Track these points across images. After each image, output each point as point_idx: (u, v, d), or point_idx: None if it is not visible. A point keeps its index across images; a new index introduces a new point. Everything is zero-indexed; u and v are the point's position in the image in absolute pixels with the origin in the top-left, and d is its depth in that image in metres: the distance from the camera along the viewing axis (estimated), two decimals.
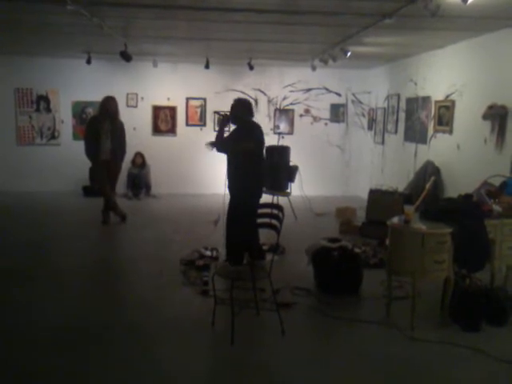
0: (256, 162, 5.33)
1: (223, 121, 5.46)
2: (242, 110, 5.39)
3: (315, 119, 10.68)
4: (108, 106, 7.35)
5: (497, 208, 4.43)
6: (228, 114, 5.46)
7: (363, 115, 10.69)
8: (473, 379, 3.38)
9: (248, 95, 9.86)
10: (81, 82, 10.06)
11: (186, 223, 7.73)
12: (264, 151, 5.64)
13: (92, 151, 7.33)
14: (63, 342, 3.73)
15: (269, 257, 5.09)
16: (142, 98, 10.33)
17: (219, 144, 5.42)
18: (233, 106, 5.44)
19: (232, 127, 5.56)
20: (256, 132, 5.39)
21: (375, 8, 4.97)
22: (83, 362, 3.45)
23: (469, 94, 6.47)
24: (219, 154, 5.50)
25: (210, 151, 5.69)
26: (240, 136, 5.30)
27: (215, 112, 6.20)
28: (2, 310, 4.34)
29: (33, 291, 4.75)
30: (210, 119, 10.45)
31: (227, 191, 5.47)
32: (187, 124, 10.50)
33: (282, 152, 8.33)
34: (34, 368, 3.35)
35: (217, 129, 6.53)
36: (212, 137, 10.26)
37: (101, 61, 9.68)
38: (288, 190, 8.26)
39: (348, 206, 8.49)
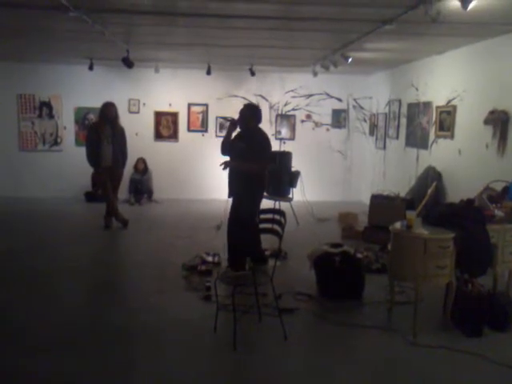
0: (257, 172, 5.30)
1: (230, 125, 5.43)
2: (249, 115, 5.36)
3: (317, 125, 10.69)
4: (107, 112, 7.38)
5: (499, 213, 4.43)
6: (235, 118, 5.41)
7: (365, 120, 10.70)
8: None
9: (250, 101, 9.88)
10: (83, 88, 10.11)
11: (187, 228, 7.73)
12: (268, 159, 5.57)
13: (93, 157, 7.36)
14: (64, 345, 3.73)
15: (271, 262, 5.09)
16: (144, 104, 10.37)
17: (224, 148, 5.44)
18: (241, 111, 5.40)
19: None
20: (261, 140, 5.34)
21: (376, 14, 4.99)
22: (84, 365, 3.45)
23: (470, 99, 6.48)
24: (223, 157, 5.50)
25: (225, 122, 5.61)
26: (243, 144, 5.30)
27: (222, 117, 6.13)
28: (5, 313, 4.34)
29: (35, 295, 4.75)
30: (212, 125, 10.49)
31: (228, 197, 5.47)
32: (189, 130, 10.53)
33: (283, 157, 8.35)
34: (33, 370, 3.35)
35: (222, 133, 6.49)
36: (214, 142, 10.34)
37: (103, 67, 9.73)
38: (290, 196, 8.26)
39: (350, 211, 8.49)
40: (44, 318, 4.24)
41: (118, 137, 7.46)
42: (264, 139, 5.39)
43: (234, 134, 5.51)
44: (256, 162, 5.16)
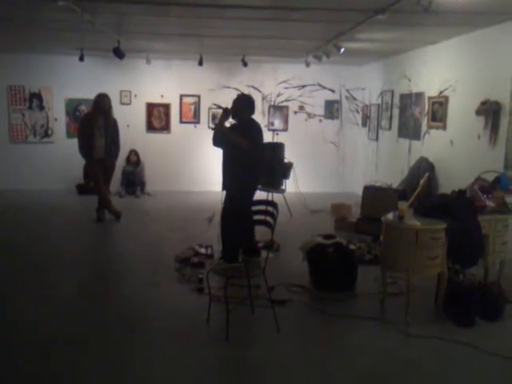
0: (251, 160, 5.28)
1: (223, 115, 5.34)
2: (243, 106, 5.33)
3: (309, 116, 10.67)
4: (101, 103, 7.33)
5: (490, 203, 4.44)
6: (229, 107, 5.35)
7: (357, 111, 10.69)
8: (467, 374, 3.40)
9: (242, 92, 9.83)
10: (74, 80, 10.01)
11: (180, 221, 7.71)
12: (261, 149, 5.56)
13: (86, 149, 7.31)
14: (60, 338, 3.72)
15: (264, 254, 5.09)
16: (136, 96, 10.29)
17: (216, 138, 5.34)
18: (235, 102, 5.37)
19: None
20: (253, 130, 5.33)
21: (368, 4, 4.96)
22: (80, 360, 3.43)
23: (462, 90, 6.49)
24: (215, 149, 5.44)
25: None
26: (237, 133, 5.26)
27: (214, 104, 6.07)
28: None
29: (27, 290, 4.72)
30: (204, 116, 10.43)
31: (222, 189, 5.44)
32: (181, 121, 10.47)
33: (276, 149, 8.32)
34: (33, 367, 3.33)
35: (213, 123, 6.46)
36: (206, 133, 10.28)
37: (94, 58, 9.64)
38: (283, 187, 8.25)
39: (343, 202, 8.50)
40: (39, 312, 4.21)
41: (111, 128, 7.41)
42: (257, 131, 5.36)
43: (226, 124, 5.46)
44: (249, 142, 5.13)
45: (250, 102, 5.43)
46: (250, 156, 5.22)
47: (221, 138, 5.31)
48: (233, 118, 5.39)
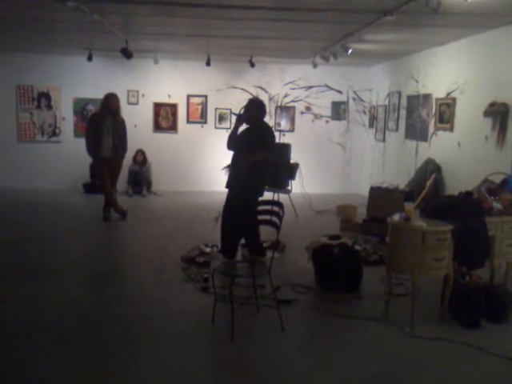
0: (264, 167, 5.35)
1: (238, 120, 5.52)
2: (255, 110, 5.45)
3: (316, 117, 10.66)
4: (110, 103, 7.36)
5: (497, 205, 4.43)
6: (242, 112, 5.49)
7: (364, 113, 10.67)
8: (472, 376, 3.38)
9: (249, 92, 9.86)
10: (82, 79, 10.06)
11: (186, 220, 7.73)
12: (273, 150, 5.66)
13: (93, 148, 7.35)
14: (64, 337, 3.73)
15: (269, 254, 5.10)
16: (143, 95, 10.32)
17: (231, 142, 5.49)
18: (246, 107, 5.49)
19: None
20: (266, 134, 5.44)
21: (376, 5, 4.96)
22: (84, 357, 3.45)
23: (470, 92, 6.46)
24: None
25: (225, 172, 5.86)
26: (249, 137, 5.36)
27: (233, 113, 6.24)
28: (4, 305, 4.35)
29: (33, 288, 4.75)
30: (211, 116, 10.45)
31: (226, 186, 5.53)
32: (188, 121, 10.50)
33: (282, 149, 8.32)
34: (34, 365, 3.35)
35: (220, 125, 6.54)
36: (213, 134, 10.31)
37: (102, 58, 9.69)
38: (289, 188, 8.26)
39: (349, 203, 8.47)
40: (41, 311, 4.23)
41: (119, 128, 7.44)
42: (269, 133, 5.47)
43: (240, 129, 5.59)
44: (260, 151, 5.23)
45: (261, 105, 5.57)
46: (264, 165, 5.33)
47: (233, 142, 5.45)
48: (245, 122, 5.51)
